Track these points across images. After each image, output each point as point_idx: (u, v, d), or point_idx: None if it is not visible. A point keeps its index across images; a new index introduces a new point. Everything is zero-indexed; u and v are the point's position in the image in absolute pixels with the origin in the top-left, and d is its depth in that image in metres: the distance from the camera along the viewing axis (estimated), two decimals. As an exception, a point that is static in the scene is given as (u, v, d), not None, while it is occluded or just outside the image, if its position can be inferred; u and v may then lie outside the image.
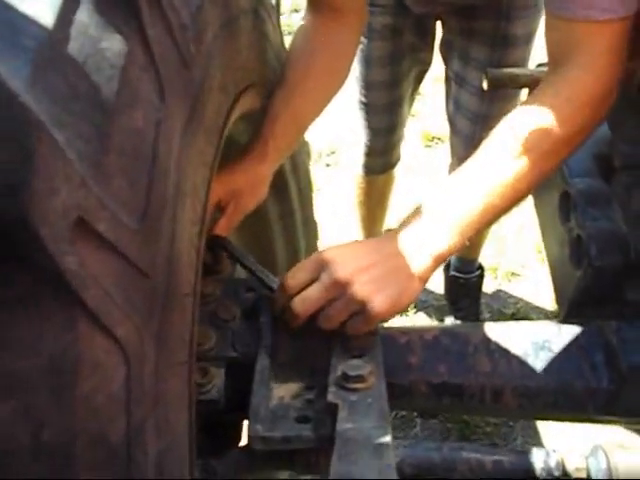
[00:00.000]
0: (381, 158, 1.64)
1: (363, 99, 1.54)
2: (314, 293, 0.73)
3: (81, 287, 0.37)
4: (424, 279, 0.75)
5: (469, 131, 1.51)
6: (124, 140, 0.44)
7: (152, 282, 0.46)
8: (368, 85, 1.50)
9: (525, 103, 0.82)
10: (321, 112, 1.00)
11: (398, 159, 1.71)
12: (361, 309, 0.72)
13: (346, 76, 1.02)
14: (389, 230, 0.80)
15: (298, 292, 0.74)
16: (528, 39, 1.39)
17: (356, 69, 1.49)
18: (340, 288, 0.71)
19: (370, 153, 1.63)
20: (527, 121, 0.78)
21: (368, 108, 1.55)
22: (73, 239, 0.37)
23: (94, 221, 0.39)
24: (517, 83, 1.34)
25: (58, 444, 0.36)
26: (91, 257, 0.39)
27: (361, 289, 0.71)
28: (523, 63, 1.42)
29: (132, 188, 0.44)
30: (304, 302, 0.74)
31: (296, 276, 0.75)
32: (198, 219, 0.60)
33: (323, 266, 0.73)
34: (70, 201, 0.37)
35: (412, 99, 1.65)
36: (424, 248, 0.74)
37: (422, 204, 0.78)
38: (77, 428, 0.37)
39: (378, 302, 0.71)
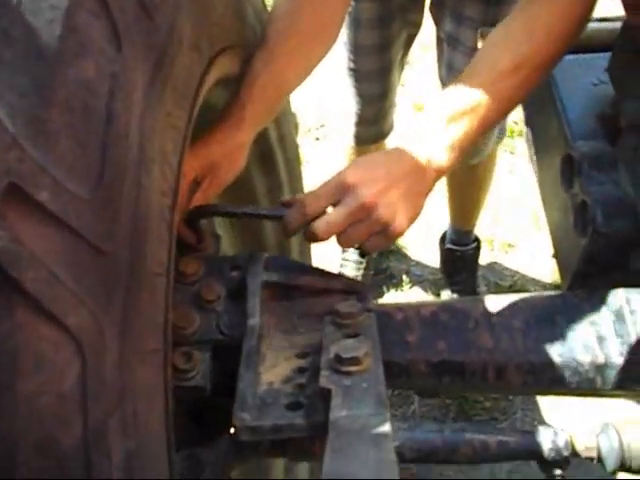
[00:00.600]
0: (373, 127, 1.57)
1: (352, 65, 1.46)
2: (339, 217, 0.76)
3: (16, 268, 0.31)
4: (429, 194, 0.81)
5: None
6: (70, 94, 0.38)
7: (111, 260, 0.40)
8: (357, 50, 1.43)
9: (510, 19, 0.85)
10: (306, 76, 0.92)
11: (391, 128, 1.64)
12: (382, 229, 0.77)
13: (335, 37, 0.95)
14: (396, 146, 0.83)
15: (318, 215, 0.77)
16: None
17: (344, 32, 1.41)
18: (365, 211, 0.75)
19: (361, 122, 1.56)
20: (519, 36, 0.82)
21: (357, 74, 1.48)
22: (3, 210, 0.30)
23: (32, 189, 0.33)
24: (514, 43, 1.27)
25: (-5, 454, 0.30)
26: (29, 232, 0.32)
27: (385, 211, 0.75)
28: None
29: (82, 151, 0.38)
30: (328, 225, 0.76)
31: (318, 201, 0.77)
32: (169, 189, 0.53)
33: (347, 191, 0.75)
34: (-2, 164, 0.30)
35: (402, 65, 1.58)
36: (430, 164, 0.78)
37: (423, 120, 0.83)
38: (19, 433, 0.31)
39: (399, 222, 0.77)
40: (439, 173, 0.80)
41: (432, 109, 0.83)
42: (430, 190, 0.81)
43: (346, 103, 1.55)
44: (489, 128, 0.84)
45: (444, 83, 1.49)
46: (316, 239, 0.78)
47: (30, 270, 0.32)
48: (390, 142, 1.72)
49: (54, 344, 0.33)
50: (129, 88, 0.44)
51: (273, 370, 0.72)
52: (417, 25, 1.46)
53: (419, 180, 0.78)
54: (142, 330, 0.44)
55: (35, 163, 0.33)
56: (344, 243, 0.79)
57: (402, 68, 1.59)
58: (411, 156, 0.78)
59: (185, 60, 0.59)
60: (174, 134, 0.55)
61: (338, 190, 0.76)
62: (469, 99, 0.79)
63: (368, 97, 1.51)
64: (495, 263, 2.11)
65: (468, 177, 1.70)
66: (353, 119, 1.57)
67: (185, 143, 0.60)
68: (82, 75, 0.39)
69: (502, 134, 1.65)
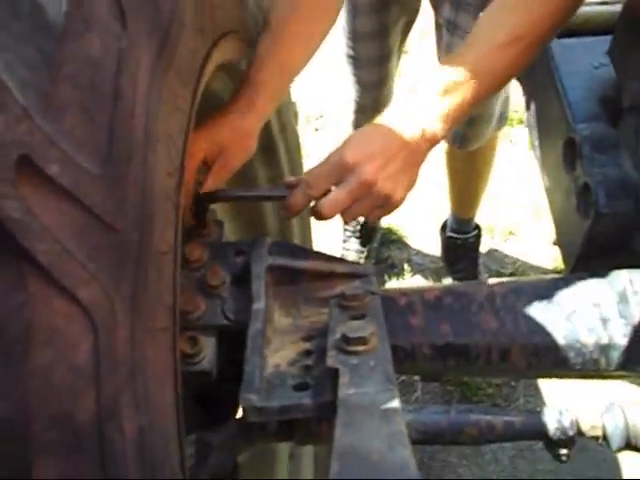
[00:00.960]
0: (371, 114, 1.56)
1: (350, 52, 1.46)
2: (342, 195, 0.78)
3: (29, 239, 0.31)
4: (422, 163, 0.83)
5: None
6: (78, 69, 0.37)
7: (121, 237, 0.40)
8: (355, 36, 1.42)
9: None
10: (310, 57, 0.92)
11: None
12: (384, 202, 0.80)
13: (336, 15, 0.95)
14: (390, 118, 0.83)
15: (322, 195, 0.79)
16: None
17: (342, 18, 1.41)
18: (366, 188, 0.77)
19: (360, 110, 1.55)
20: (516, 8, 0.82)
21: (356, 62, 1.47)
22: (15, 181, 0.30)
23: (43, 162, 0.33)
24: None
25: (10, 424, 0.30)
26: (41, 205, 0.33)
27: (384, 186, 0.78)
28: None
29: (90, 126, 0.38)
30: (333, 204, 0.79)
31: (320, 181, 0.80)
32: (175, 170, 0.53)
33: (347, 170, 0.78)
34: (9, 135, 0.30)
35: (400, 53, 1.57)
36: (423, 135, 0.80)
37: (418, 90, 0.83)
38: (34, 404, 0.31)
39: (398, 194, 0.80)
40: (432, 143, 0.82)
41: (427, 80, 0.84)
42: (423, 160, 0.83)
43: (345, 95, 1.55)
44: (483, 99, 0.85)
45: None
46: (322, 218, 0.80)
47: (42, 242, 0.32)
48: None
49: (66, 317, 0.33)
50: (135, 65, 0.44)
51: (279, 353, 0.72)
52: (415, 11, 1.46)
53: (414, 151, 0.80)
54: (151, 308, 0.44)
55: (45, 136, 0.33)
56: (348, 218, 0.82)
57: (400, 56, 1.59)
58: (405, 129, 0.80)
59: (188, 42, 0.59)
60: (179, 115, 0.55)
61: (339, 170, 0.78)
62: (464, 71, 0.80)
63: (366, 84, 1.51)
64: (496, 251, 2.11)
65: (468, 165, 1.70)
66: (352, 106, 1.56)
67: (190, 125, 0.60)
68: (88, 51, 0.39)
69: (503, 121, 1.64)
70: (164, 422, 0.45)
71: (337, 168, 0.79)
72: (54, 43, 0.36)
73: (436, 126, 0.80)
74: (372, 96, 1.53)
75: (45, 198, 0.33)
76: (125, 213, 0.40)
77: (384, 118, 0.83)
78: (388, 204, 0.80)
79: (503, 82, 0.87)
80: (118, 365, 0.37)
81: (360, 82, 1.51)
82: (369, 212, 0.81)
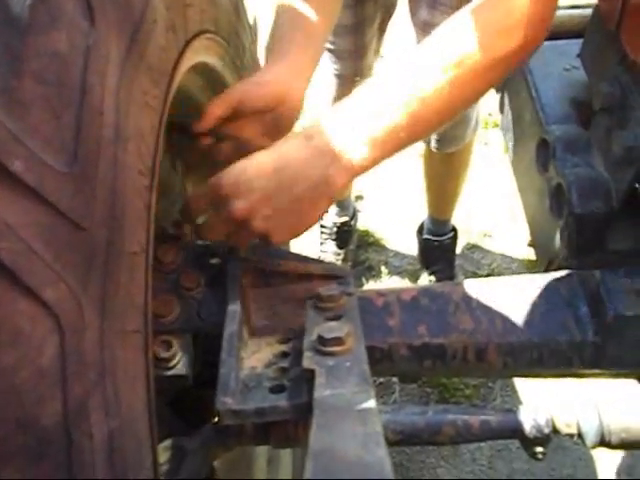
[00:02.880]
0: None
1: (329, 46, 1.47)
2: (217, 224, 0.73)
3: (-10, 237, 0.30)
4: (332, 197, 0.70)
5: None
6: (43, 65, 0.37)
7: (89, 237, 0.39)
8: (334, 29, 1.43)
9: (461, 14, 0.73)
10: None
11: None
12: (262, 238, 0.72)
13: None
14: (304, 134, 0.71)
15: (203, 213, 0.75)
16: None
17: None
18: (238, 223, 0.69)
19: (337, 100, 1.55)
20: (461, 32, 0.71)
21: (334, 54, 1.49)
22: (-25, 178, 0.29)
23: (6, 158, 0.32)
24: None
25: (-29, 430, 0.29)
26: (4, 202, 0.32)
27: (259, 226, 0.69)
28: None
29: (56, 123, 0.37)
30: (209, 230, 0.75)
31: (198, 202, 0.74)
32: (147, 169, 0.52)
33: (220, 199, 0.69)
34: (-31, 131, 0.29)
35: (377, 51, 1.58)
36: (341, 165, 0.68)
37: (339, 110, 0.72)
38: (-2, 409, 0.30)
39: (277, 237, 0.71)
40: (353, 172, 0.69)
41: (357, 97, 0.73)
42: (335, 193, 0.69)
43: (323, 84, 1.56)
44: (425, 127, 0.72)
45: None
46: (203, 239, 0.78)
47: (5, 241, 0.31)
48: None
49: (31, 318, 0.32)
50: (103, 62, 0.43)
51: (255, 355, 0.72)
52: (392, 6, 1.47)
53: (317, 187, 0.68)
54: (122, 309, 0.43)
55: (8, 132, 0.32)
56: (231, 243, 0.77)
57: (377, 55, 1.60)
58: (312, 160, 0.68)
59: (159, 39, 0.58)
60: (150, 113, 0.55)
61: (214, 196, 0.70)
62: (401, 91, 0.69)
63: (344, 77, 1.51)
64: (472, 253, 2.13)
65: (444, 167, 1.71)
66: (329, 99, 1.57)
67: (161, 124, 0.59)
68: (54, 46, 0.38)
69: (477, 127, 1.65)
70: (136, 425, 0.44)
71: (212, 194, 0.70)
72: (18, 37, 0.35)
73: (361, 152, 0.68)
74: (350, 88, 1.53)
75: (8, 196, 0.32)
76: (93, 212, 0.40)
77: (293, 140, 0.71)
78: (265, 240, 0.72)
79: (451, 107, 0.72)
80: (86, 367, 0.37)
81: (337, 74, 1.52)
82: (247, 242, 0.75)
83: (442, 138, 1.55)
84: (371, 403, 0.49)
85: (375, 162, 0.70)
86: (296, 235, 0.73)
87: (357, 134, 0.68)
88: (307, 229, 0.73)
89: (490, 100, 1.63)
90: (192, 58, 0.77)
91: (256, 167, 0.69)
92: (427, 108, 0.69)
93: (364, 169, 0.69)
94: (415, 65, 0.72)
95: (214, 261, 0.83)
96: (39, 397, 0.32)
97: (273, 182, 0.68)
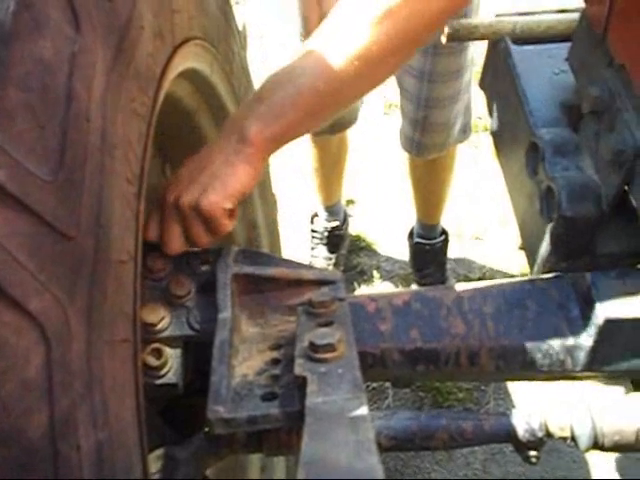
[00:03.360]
0: None
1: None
2: (165, 226, 0.77)
3: (-27, 248, 0.29)
4: (254, 162, 0.76)
5: (415, 90, 1.45)
6: (27, 72, 0.36)
7: (75, 246, 0.38)
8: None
9: None
10: None
11: (351, 121, 1.63)
12: (205, 218, 0.75)
13: None
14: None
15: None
16: None
17: (298, 16, 1.41)
18: (172, 208, 0.75)
19: None
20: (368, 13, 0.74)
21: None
22: (-43, 187, 0.29)
23: (-12, 167, 0.31)
24: (475, 35, 1.28)
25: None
26: (-14, 212, 0.31)
27: (187, 198, 0.74)
28: (471, 15, 1.36)
29: (41, 131, 0.36)
30: (164, 241, 0.78)
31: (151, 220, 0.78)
32: (135, 177, 0.52)
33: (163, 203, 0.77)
34: (-50, 140, 0.29)
35: None
36: (242, 138, 0.75)
37: (257, 91, 0.79)
38: (-19, 423, 0.29)
39: (207, 198, 0.74)
40: (257, 144, 0.75)
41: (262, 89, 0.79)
42: (251, 161, 0.76)
43: None
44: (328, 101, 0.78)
45: (398, 79, 1.51)
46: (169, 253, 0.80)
47: (-12, 252, 0.30)
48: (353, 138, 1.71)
49: (16, 329, 0.32)
50: (89, 70, 0.43)
51: (246, 363, 0.71)
52: None
53: (229, 156, 0.75)
54: (110, 319, 0.43)
55: (-10, 141, 0.32)
56: (197, 246, 0.79)
57: None
58: (222, 137, 0.77)
59: (148, 45, 0.57)
60: (138, 120, 0.54)
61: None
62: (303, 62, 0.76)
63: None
64: (463, 256, 2.13)
65: (427, 173, 1.70)
66: None
67: (150, 131, 0.59)
68: (39, 53, 0.38)
69: (468, 132, 1.65)
70: (125, 436, 0.44)
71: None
72: (1, 44, 0.35)
73: (256, 126, 0.74)
74: None
75: (-9, 205, 0.31)
76: (79, 220, 0.39)
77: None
78: (209, 218, 0.75)
79: (353, 91, 0.79)
80: (73, 378, 0.36)
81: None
82: (205, 236, 0.77)
83: (419, 144, 1.54)
84: (363, 410, 0.49)
85: (283, 131, 0.76)
86: (229, 192, 0.75)
87: (250, 114, 0.76)
88: (241, 187, 0.76)
89: (480, 104, 1.64)
90: (181, 64, 0.76)
91: (189, 162, 0.79)
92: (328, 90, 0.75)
93: (267, 139, 0.75)
94: (318, 49, 0.76)
95: (204, 268, 0.82)
96: (25, 409, 0.32)
97: (198, 166, 0.76)
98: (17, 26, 0.36)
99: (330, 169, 1.75)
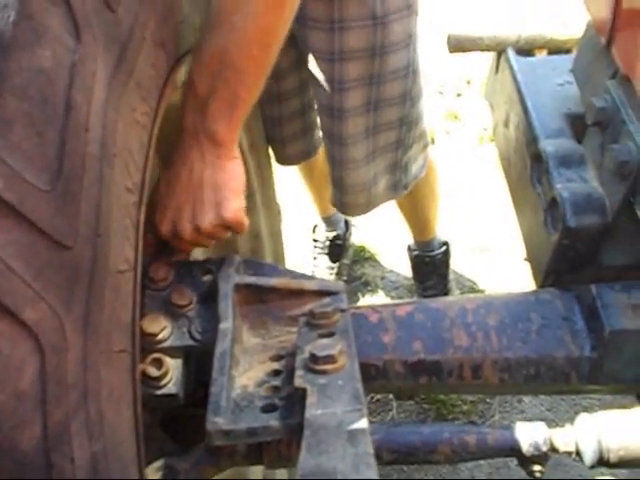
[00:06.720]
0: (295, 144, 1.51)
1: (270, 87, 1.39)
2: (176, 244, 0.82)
3: (-33, 257, 0.29)
4: (235, 153, 0.78)
5: (330, 151, 1.34)
6: (26, 81, 0.36)
7: (72, 255, 0.38)
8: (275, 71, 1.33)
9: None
10: None
11: (316, 146, 1.56)
12: (230, 226, 0.79)
13: None
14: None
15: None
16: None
17: None
18: (174, 234, 0.79)
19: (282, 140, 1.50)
20: None
21: (278, 95, 1.42)
22: (-49, 196, 0.29)
23: (-16, 176, 0.31)
24: (480, 46, 1.29)
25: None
26: (-18, 221, 0.31)
27: (207, 219, 0.77)
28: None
29: (39, 140, 0.36)
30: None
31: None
32: (135, 186, 0.52)
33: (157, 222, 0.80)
34: (-55, 148, 0.29)
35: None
36: (205, 136, 0.75)
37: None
38: (-27, 435, 0.29)
39: (227, 209, 0.77)
40: (214, 137, 0.75)
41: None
42: (230, 154, 0.77)
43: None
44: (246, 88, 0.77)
45: None
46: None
47: (-18, 261, 0.30)
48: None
49: (10, 340, 0.32)
50: (89, 79, 0.43)
51: (247, 374, 0.71)
52: None
53: (202, 156, 0.76)
54: (107, 329, 0.43)
55: (-13, 149, 0.32)
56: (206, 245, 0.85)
57: None
58: (192, 151, 0.76)
59: (150, 55, 0.58)
60: (139, 130, 0.54)
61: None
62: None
63: (288, 115, 1.41)
64: (468, 268, 2.12)
65: (409, 201, 1.59)
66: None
67: (151, 141, 0.59)
68: (38, 63, 0.38)
69: (398, 190, 1.46)
70: (121, 448, 0.43)
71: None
72: (0, 54, 0.35)
73: (221, 125, 0.75)
74: (293, 126, 1.47)
75: (-13, 214, 0.31)
76: (77, 230, 0.39)
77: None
78: (235, 223, 0.79)
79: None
80: (68, 389, 0.36)
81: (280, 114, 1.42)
82: (211, 239, 0.82)
83: (344, 205, 1.41)
84: (363, 423, 0.48)
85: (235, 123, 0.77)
86: (227, 201, 0.77)
87: (194, 111, 0.74)
88: (236, 187, 0.78)
89: (485, 115, 1.64)
90: (184, 75, 0.77)
91: (169, 187, 0.79)
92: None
93: (219, 129, 0.75)
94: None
95: (206, 278, 0.82)
96: (18, 421, 0.31)
97: (183, 189, 0.77)
98: (17, 36, 0.36)
99: (320, 181, 1.72)
